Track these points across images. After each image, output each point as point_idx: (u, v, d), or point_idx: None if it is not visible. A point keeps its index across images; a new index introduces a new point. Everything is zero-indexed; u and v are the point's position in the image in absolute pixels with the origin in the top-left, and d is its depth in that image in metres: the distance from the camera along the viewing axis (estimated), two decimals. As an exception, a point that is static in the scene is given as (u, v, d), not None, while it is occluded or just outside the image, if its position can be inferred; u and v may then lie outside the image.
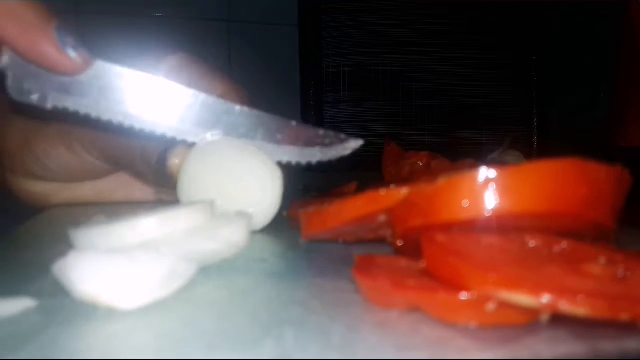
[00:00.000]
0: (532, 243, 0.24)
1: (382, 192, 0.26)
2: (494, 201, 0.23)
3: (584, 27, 1.21)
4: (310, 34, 1.15)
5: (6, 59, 0.32)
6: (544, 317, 0.20)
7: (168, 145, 0.40)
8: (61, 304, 0.23)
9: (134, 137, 0.38)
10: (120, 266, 0.23)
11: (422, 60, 1.19)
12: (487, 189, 0.23)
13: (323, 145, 0.39)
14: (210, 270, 0.28)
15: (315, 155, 0.39)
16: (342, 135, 0.39)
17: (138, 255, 0.23)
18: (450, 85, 1.20)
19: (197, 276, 0.26)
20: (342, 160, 0.41)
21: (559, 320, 0.20)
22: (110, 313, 0.22)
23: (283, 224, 0.42)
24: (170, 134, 0.37)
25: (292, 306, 0.24)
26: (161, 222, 0.27)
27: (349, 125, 1.17)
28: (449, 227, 0.24)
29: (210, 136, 0.37)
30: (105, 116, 0.36)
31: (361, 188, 0.49)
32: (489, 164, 0.25)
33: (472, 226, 0.24)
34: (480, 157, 0.61)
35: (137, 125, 0.37)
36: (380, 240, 0.31)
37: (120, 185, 0.50)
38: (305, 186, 0.70)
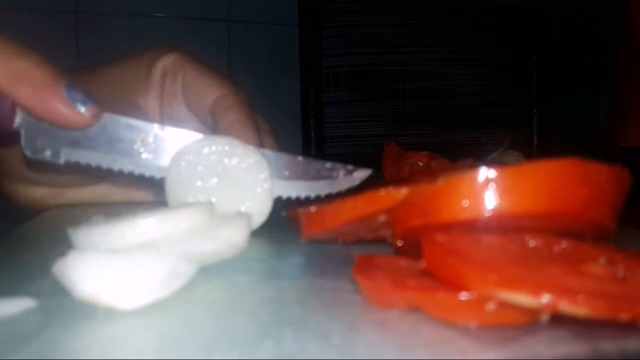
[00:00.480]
0: (532, 243, 0.24)
1: (382, 192, 0.26)
2: (494, 201, 0.23)
3: (584, 27, 1.21)
4: (310, 34, 1.15)
5: (19, 119, 0.34)
6: (544, 317, 0.20)
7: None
8: (61, 304, 0.23)
9: (144, 184, 0.39)
10: (120, 266, 0.23)
11: (422, 60, 1.19)
12: (487, 189, 0.23)
13: (331, 178, 0.39)
14: (210, 270, 0.28)
15: (324, 188, 0.39)
16: (349, 166, 0.39)
17: (138, 255, 0.23)
18: (450, 85, 1.20)
19: (197, 276, 0.26)
20: (341, 161, 0.41)
21: (559, 320, 0.20)
22: (110, 313, 0.22)
23: (283, 224, 0.42)
24: None
25: (292, 306, 0.24)
26: (161, 222, 0.27)
27: (349, 125, 1.17)
28: (449, 227, 0.24)
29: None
30: (116, 166, 0.37)
31: (361, 188, 0.49)
32: (489, 164, 0.25)
33: (472, 226, 0.24)
34: (480, 157, 0.61)
35: (147, 173, 0.38)
36: (380, 240, 0.31)
37: (118, 188, 0.49)
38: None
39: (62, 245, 0.27)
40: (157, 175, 0.38)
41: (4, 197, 0.48)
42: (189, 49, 0.46)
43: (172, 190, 0.36)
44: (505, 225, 0.24)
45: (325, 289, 0.26)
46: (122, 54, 0.47)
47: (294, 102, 1.16)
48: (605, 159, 0.23)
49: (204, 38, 1.13)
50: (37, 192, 0.47)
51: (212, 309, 0.24)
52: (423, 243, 0.23)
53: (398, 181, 0.51)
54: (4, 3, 1.00)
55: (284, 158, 0.39)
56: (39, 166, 0.39)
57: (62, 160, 0.35)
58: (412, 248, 0.25)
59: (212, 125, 0.44)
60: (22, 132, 0.34)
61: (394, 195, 0.26)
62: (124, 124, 0.36)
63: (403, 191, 0.26)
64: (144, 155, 0.37)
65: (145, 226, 0.27)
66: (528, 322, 0.21)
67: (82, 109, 0.33)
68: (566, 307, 0.19)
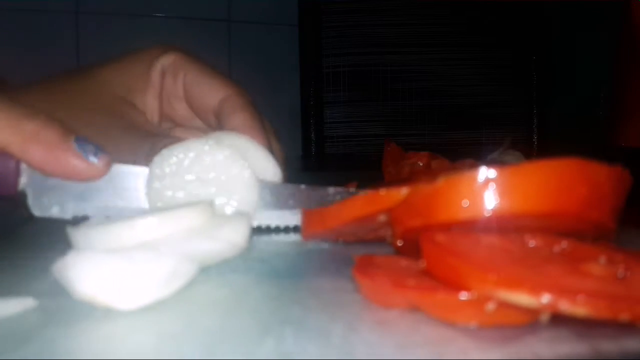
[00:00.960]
0: (532, 243, 0.24)
1: (382, 192, 0.26)
2: (494, 201, 0.23)
3: (584, 27, 1.21)
4: (310, 34, 1.15)
5: (24, 179, 0.34)
6: (544, 317, 0.20)
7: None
8: (61, 304, 0.23)
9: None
10: (120, 266, 0.23)
11: (422, 60, 1.19)
12: (486, 189, 0.23)
13: (335, 202, 0.39)
14: (210, 270, 0.28)
15: None
16: (352, 189, 0.39)
17: (138, 255, 0.23)
18: (450, 85, 1.20)
19: (197, 276, 0.26)
20: (341, 161, 0.41)
21: (559, 320, 0.20)
22: (110, 313, 0.22)
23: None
24: None
25: (292, 306, 0.24)
26: (161, 222, 0.27)
27: (349, 125, 1.16)
28: (448, 227, 0.24)
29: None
30: (124, 214, 0.36)
31: (361, 188, 0.49)
32: (489, 164, 0.25)
33: (471, 226, 0.24)
34: (480, 157, 0.61)
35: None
36: (380, 240, 0.31)
37: None
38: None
39: (62, 245, 0.27)
40: None
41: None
42: (189, 49, 0.46)
43: (152, 195, 0.35)
44: (505, 225, 0.24)
45: (325, 289, 0.26)
46: (122, 53, 0.47)
47: (294, 102, 1.16)
48: (605, 159, 0.23)
49: (204, 38, 1.13)
50: None
51: (212, 309, 0.24)
52: (423, 243, 0.23)
53: (398, 181, 0.51)
54: (4, 3, 1.01)
55: (287, 188, 0.38)
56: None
57: (69, 216, 0.35)
58: (412, 248, 0.25)
59: (216, 127, 0.44)
60: (29, 191, 0.34)
61: (394, 195, 0.26)
62: (128, 172, 0.36)
63: (403, 191, 0.26)
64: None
65: (145, 226, 0.27)
66: (528, 322, 0.21)
67: (95, 160, 0.33)
68: (566, 306, 0.19)
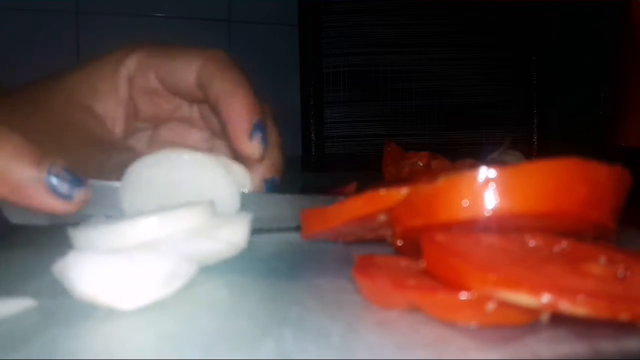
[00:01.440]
0: (532, 243, 0.24)
1: (382, 192, 0.26)
2: (494, 201, 0.23)
3: (584, 27, 1.21)
4: (310, 34, 1.15)
5: None
6: (544, 317, 0.20)
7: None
8: (61, 304, 0.23)
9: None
10: (120, 266, 0.23)
11: (422, 60, 1.19)
12: (486, 189, 0.23)
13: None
14: (210, 270, 0.28)
15: None
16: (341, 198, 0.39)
17: (138, 256, 0.23)
18: (450, 85, 1.20)
19: (197, 276, 0.26)
20: (341, 161, 0.40)
21: (559, 320, 0.20)
22: (110, 313, 0.22)
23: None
24: None
25: (292, 306, 0.24)
26: (161, 222, 0.27)
27: (349, 125, 1.16)
28: (448, 227, 0.24)
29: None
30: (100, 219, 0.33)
31: (361, 188, 0.49)
32: (489, 164, 0.25)
33: (471, 226, 0.24)
34: (480, 157, 0.61)
35: None
36: (380, 240, 0.31)
37: None
38: (305, 186, 0.70)
39: (62, 245, 0.27)
40: None
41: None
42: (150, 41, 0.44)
43: (128, 199, 0.34)
44: (505, 225, 0.24)
45: (325, 289, 0.26)
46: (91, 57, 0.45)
47: (294, 102, 1.16)
48: (605, 159, 0.23)
49: (204, 38, 1.13)
50: None
51: (212, 309, 0.24)
52: (423, 243, 0.23)
53: (398, 181, 0.51)
54: (4, 3, 1.00)
55: (286, 198, 0.36)
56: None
57: (47, 222, 0.33)
58: (412, 248, 0.25)
59: (202, 100, 0.41)
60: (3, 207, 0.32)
61: (394, 195, 0.26)
62: (110, 188, 0.34)
63: (403, 191, 0.26)
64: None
65: (145, 226, 0.27)
66: (528, 322, 0.21)
67: (70, 197, 0.29)
68: (566, 306, 0.19)
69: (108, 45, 0.45)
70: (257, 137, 0.36)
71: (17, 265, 0.30)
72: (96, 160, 0.37)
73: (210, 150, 0.45)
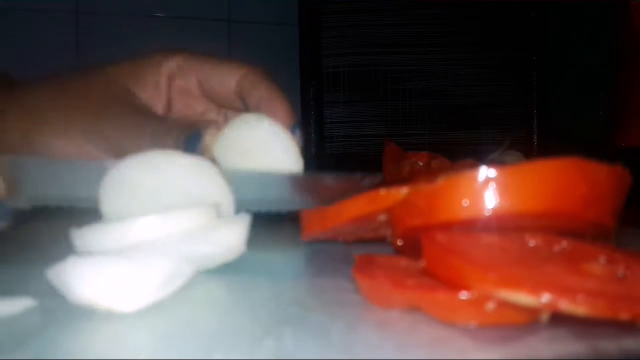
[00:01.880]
0: (531, 242, 0.24)
1: (382, 192, 0.26)
2: (494, 201, 0.23)
3: (584, 27, 1.21)
4: (310, 34, 1.15)
5: None
6: (544, 317, 0.20)
7: (187, 132, 0.39)
8: (61, 304, 0.23)
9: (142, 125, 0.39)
10: (120, 269, 0.23)
11: (422, 60, 1.19)
12: (486, 189, 0.23)
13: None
14: (210, 270, 0.28)
15: None
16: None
17: (137, 258, 0.23)
18: (450, 85, 1.20)
19: (197, 276, 0.26)
20: (341, 161, 0.41)
21: (559, 319, 0.20)
22: (110, 313, 0.22)
23: (283, 224, 0.42)
24: None
25: (292, 306, 0.24)
26: (159, 223, 0.27)
27: (349, 125, 1.16)
28: (449, 227, 0.24)
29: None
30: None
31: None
32: (489, 163, 0.25)
33: (472, 225, 0.24)
34: (480, 157, 0.61)
35: None
36: (380, 240, 0.31)
37: None
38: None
39: (62, 245, 0.27)
40: None
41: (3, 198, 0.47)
42: (189, 49, 0.46)
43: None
44: (505, 225, 0.24)
45: (325, 289, 0.26)
46: (123, 54, 0.46)
47: (294, 102, 1.16)
48: (605, 159, 0.23)
49: (204, 38, 1.13)
50: None
51: (211, 309, 0.24)
52: (423, 242, 0.23)
53: (398, 181, 0.51)
54: (4, 3, 1.00)
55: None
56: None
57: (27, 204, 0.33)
58: (412, 248, 0.25)
59: (242, 109, 0.44)
60: None
61: (394, 195, 0.26)
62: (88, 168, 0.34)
63: (403, 191, 0.26)
64: None
65: (146, 225, 0.27)
66: (528, 322, 0.21)
67: None
68: (566, 306, 0.19)
69: (108, 45, 0.45)
70: (297, 134, 0.41)
71: (17, 265, 0.30)
72: (143, 129, 0.40)
73: None
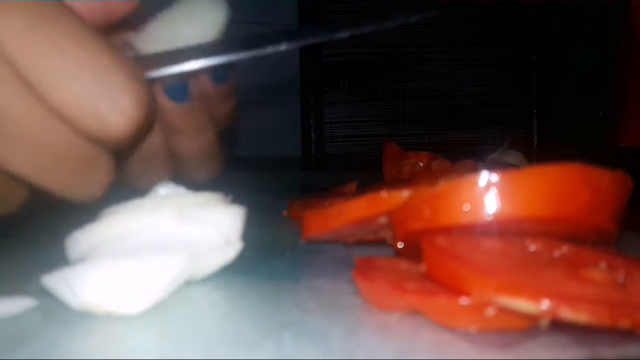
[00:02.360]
0: (532, 247, 0.24)
1: (383, 194, 0.26)
2: (495, 206, 0.23)
3: (584, 27, 1.21)
4: (311, 34, 1.15)
5: None
6: (544, 322, 0.20)
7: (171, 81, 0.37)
8: (61, 304, 0.23)
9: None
10: (121, 272, 0.22)
11: (422, 60, 1.19)
12: (488, 193, 0.23)
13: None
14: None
15: None
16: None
17: (136, 258, 0.23)
18: (450, 85, 1.20)
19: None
20: (341, 161, 0.40)
21: (559, 325, 0.20)
22: (110, 315, 0.22)
23: (282, 224, 0.42)
24: None
25: (291, 308, 0.24)
26: (131, 215, 0.26)
27: (349, 125, 1.17)
28: (449, 231, 0.24)
29: None
30: None
31: (361, 188, 0.49)
32: (490, 164, 0.25)
33: (472, 230, 0.24)
34: (480, 157, 0.60)
35: None
36: (381, 242, 0.31)
37: None
38: (305, 186, 0.70)
39: (62, 246, 0.27)
40: None
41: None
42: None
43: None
44: (506, 229, 0.24)
45: (324, 291, 0.26)
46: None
47: (294, 102, 1.16)
48: (605, 159, 0.23)
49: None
50: None
51: (211, 311, 0.24)
52: (423, 246, 0.23)
53: (398, 181, 0.51)
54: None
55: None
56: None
57: None
58: (413, 251, 0.25)
59: None
60: None
61: (395, 197, 0.26)
62: None
63: (404, 194, 0.26)
64: None
65: (163, 225, 0.26)
66: (528, 327, 0.21)
67: None
68: (566, 314, 0.19)
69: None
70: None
71: (17, 265, 0.30)
72: None
73: None
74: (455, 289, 0.21)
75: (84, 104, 0.26)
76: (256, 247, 0.34)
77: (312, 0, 1.16)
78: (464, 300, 0.20)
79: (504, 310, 0.20)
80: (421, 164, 0.56)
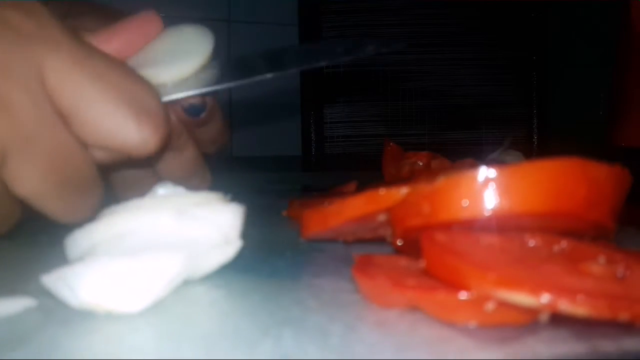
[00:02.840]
0: (531, 242, 0.24)
1: (382, 191, 0.26)
2: (494, 201, 0.23)
3: (584, 27, 1.21)
4: (310, 34, 1.15)
5: None
6: (544, 317, 0.20)
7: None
8: (61, 304, 0.23)
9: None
10: (121, 271, 0.22)
11: (422, 60, 1.19)
12: (486, 189, 0.23)
13: None
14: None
15: None
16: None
17: (139, 258, 0.23)
18: (450, 85, 1.20)
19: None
20: (341, 161, 0.40)
21: (558, 319, 0.20)
22: (110, 314, 0.22)
23: (282, 224, 0.42)
24: None
25: (291, 306, 0.24)
26: (132, 214, 0.26)
27: (349, 125, 1.17)
28: (448, 227, 0.24)
29: None
30: None
31: (361, 188, 0.49)
32: (489, 163, 0.25)
33: (471, 225, 0.24)
34: (480, 157, 0.60)
35: None
36: (380, 240, 0.31)
37: None
38: (305, 186, 0.70)
39: (61, 245, 0.27)
40: None
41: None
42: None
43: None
44: (505, 225, 0.24)
45: (324, 289, 0.26)
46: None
47: (294, 102, 1.16)
48: (605, 159, 0.23)
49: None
50: None
51: (211, 309, 0.24)
52: (423, 242, 0.23)
53: (398, 181, 0.51)
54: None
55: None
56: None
57: None
58: (412, 247, 0.25)
59: None
60: None
61: (394, 194, 0.26)
62: None
63: (403, 191, 0.26)
64: None
65: (161, 224, 0.26)
66: (527, 322, 0.21)
67: None
68: (566, 306, 0.19)
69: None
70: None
71: (17, 265, 0.30)
72: None
73: None
74: (454, 285, 0.21)
75: (120, 126, 0.29)
76: (256, 246, 0.34)
77: (312, 0, 1.16)
78: (463, 295, 0.20)
79: (504, 305, 0.20)
80: (421, 164, 0.56)
